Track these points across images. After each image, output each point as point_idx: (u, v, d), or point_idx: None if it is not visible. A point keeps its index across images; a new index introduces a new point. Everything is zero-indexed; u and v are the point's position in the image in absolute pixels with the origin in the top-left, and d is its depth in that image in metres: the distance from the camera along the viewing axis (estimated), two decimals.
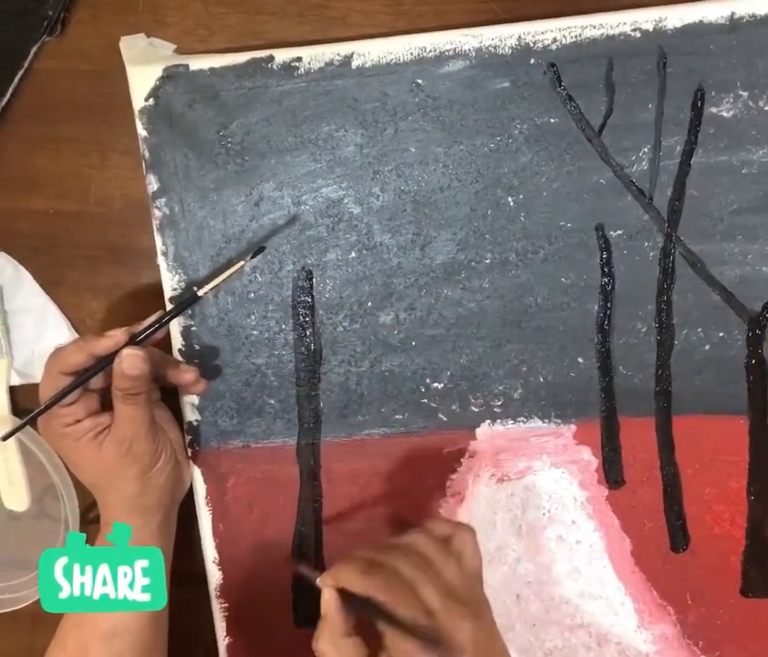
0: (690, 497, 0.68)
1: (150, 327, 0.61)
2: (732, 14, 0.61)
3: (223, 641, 0.72)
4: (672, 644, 0.70)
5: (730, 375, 0.66)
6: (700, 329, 0.66)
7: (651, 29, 0.62)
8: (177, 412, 0.69)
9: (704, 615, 0.69)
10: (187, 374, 0.65)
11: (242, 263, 0.62)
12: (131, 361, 0.58)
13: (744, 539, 0.68)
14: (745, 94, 0.62)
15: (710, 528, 0.68)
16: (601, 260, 0.66)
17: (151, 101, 0.65)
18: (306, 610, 0.71)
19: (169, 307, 0.67)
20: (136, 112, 0.65)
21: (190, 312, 0.67)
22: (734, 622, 0.69)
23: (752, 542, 0.68)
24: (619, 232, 0.65)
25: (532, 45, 0.63)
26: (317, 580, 0.56)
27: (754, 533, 0.68)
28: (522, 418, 0.68)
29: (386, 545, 0.56)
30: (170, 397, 0.68)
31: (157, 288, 0.67)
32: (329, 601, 0.54)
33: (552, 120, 0.64)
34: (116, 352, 0.59)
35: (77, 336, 0.71)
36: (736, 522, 0.68)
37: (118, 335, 0.59)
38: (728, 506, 0.67)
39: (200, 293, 0.62)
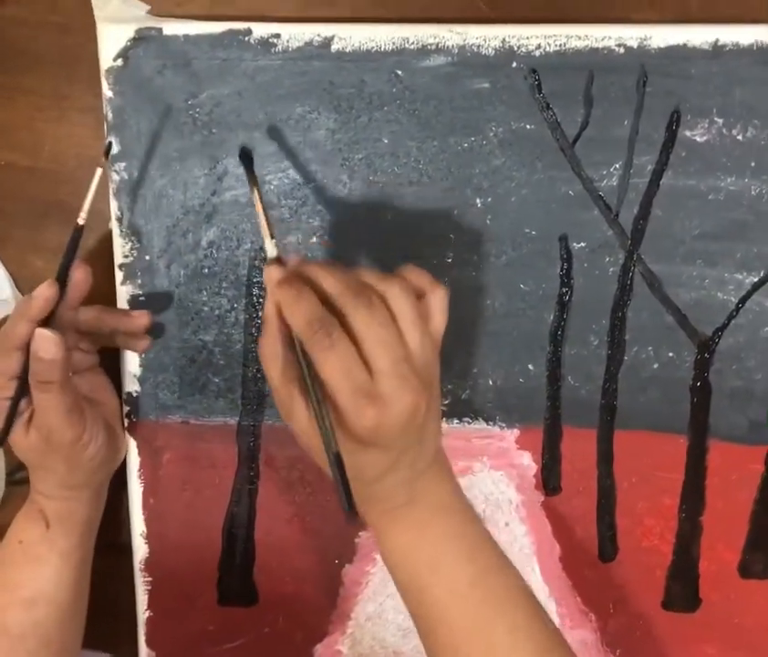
0: (623, 509, 0.74)
1: (63, 263, 0.62)
2: (717, 40, 0.66)
3: (142, 614, 0.76)
4: (590, 650, 0.76)
5: (675, 395, 0.72)
6: (650, 348, 0.72)
7: (635, 46, 0.66)
8: (116, 382, 0.72)
9: (624, 624, 0.76)
10: (141, 318, 0.67)
11: (100, 167, 0.62)
12: (43, 343, 0.59)
13: (671, 555, 0.75)
14: (720, 121, 0.67)
15: (639, 541, 0.74)
16: (561, 270, 0.72)
17: (120, 62, 0.67)
18: (231, 590, 0.76)
19: (119, 275, 0.70)
20: (102, 71, 0.66)
21: (139, 281, 0.71)
22: (653, 634, 0.79)
23: (678, 558, 0.75)
24: (582, 244, 0.71)
25: (515, 48, 0.67)
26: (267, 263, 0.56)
27: (681, 549, 0.75)
28: (467, 418, 0.73)
29: (356, 282, 0.55)
30: (110, 364, 0.71)
31: (107, 254, 0.69)
32: (269, 308, 0.55)
33: (528, 127, 0.68)
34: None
35: (18, 294, 0.72)
36: (665, 537, 0.74)
37: (44, 290, 0.60)
38: (659, 521, 0.74)
39: (80, 220, 0.62)
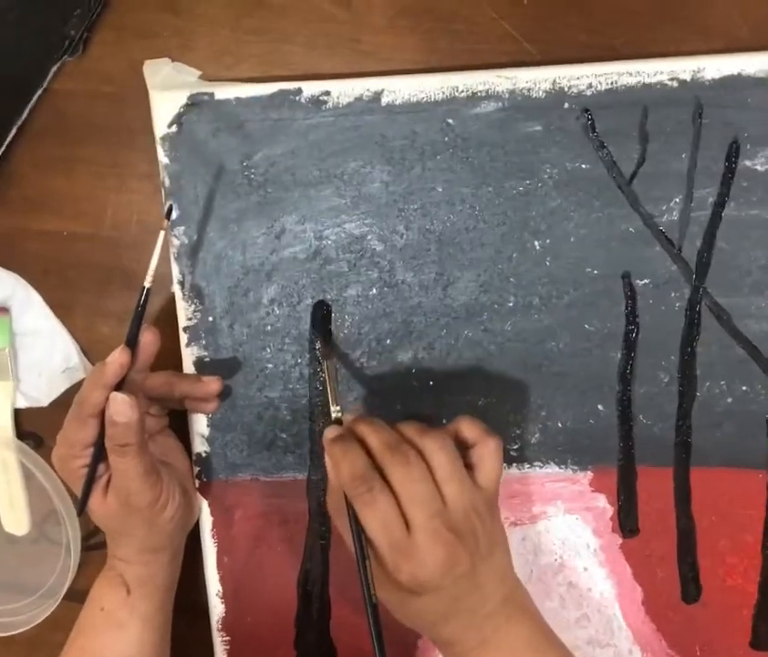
0: (704, 549, 0.75)
1: (132, 327, 0.65)
2: None
3: None
4: None
5: (751, 429, 0.73)
6: (723, 382, 0.73)
7: (689, 79, 0.68)
8: (185, 443, 0.75)
9: None
10: (212, 384, 0.72)
11: (163, 230, 0.66)
12: (117, 407, 0.62)
13: (757, 593, 0.76)
14: None
15: (723, 581, 0.76)
16: (626, 308, 0.74)
17: (174, 128, 0.72)
18: (309, 647, 0.79)
19: (183, 337, 0.75)
20: (157, 139, 0.71)
21: (204, 342, 0.78)
22: None
23: (765, 596, 0.75)
24: (646, 281, 0.73)
25: (566, 89, 0.70)
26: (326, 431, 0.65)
27: (767, 587, 0.78)
28: (538, 463, 0.76)
29: (396, 438, 0.62)
30: (178, 425, 0.75)
31: (171, 317, 0.74)
32: (329, 467, 0.64)
33: (583, 166, 0.71)
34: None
35: (85, 361, 0.77)
36: (749, 576, 0.75)
37: (117, 356, 0.64)
38: (742, 560, 0.75)
39: (146, 283, 0.66)
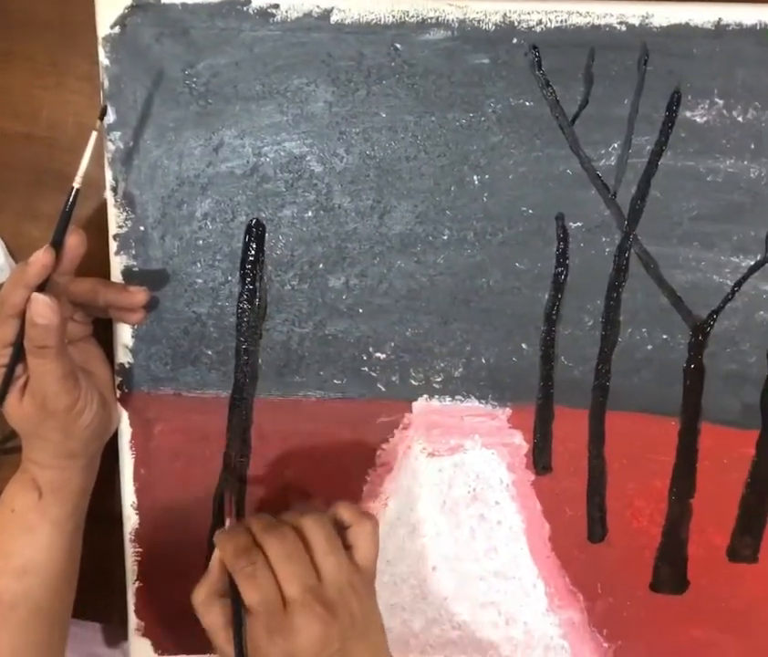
0: (614, 491, 0.73)
1: (58, 228, 0.61)
2: (719, 20, 0.64)
3: (132, 585, 0.75)
4: (578, 630, 0.75)
5: (668, 377, 0.71)
6: (644, 329, 0.70)
7: (637, 24, 0.64)
8: (108, 352, 0.70)
9: (612, 605, 0.74)
10: (138, 294, 0.66)
11: (95, 130, 0.61)
12: (38, 308, 0.58)
13: (660, 537, 0.74)
14: (721, 102, 0.65)
15: (629, 523, 0.73)
16: (557, 250, 0.70)
17: (117, 29, 0.65)
18: None
19: (112, 245, 0.68)
20: (99, 39, 0.64)
21: (133, 252, 0.70)
22: (640, 616, 0.78)
23: (668, 540, 0.73)
24: (579, 224, 0.69)
25: (516, 24, 0.65)
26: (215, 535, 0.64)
27: (671, 532, 0.73)
28: (459, 396, 0.72)
29: (277, 522, 0.63)
30: (101, 333, 0.70)
31: (102, 224, 0.68)
32: (214, 559, 0.63)
33: (527, 104, 0.66)
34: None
35: (12, 262, 0.70)
36: (655, 519, 0.73)
37: (40, 256, 0.59)
38: (649, 503, 0.73)
39: (75, 184, 0.61)
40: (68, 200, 0.60)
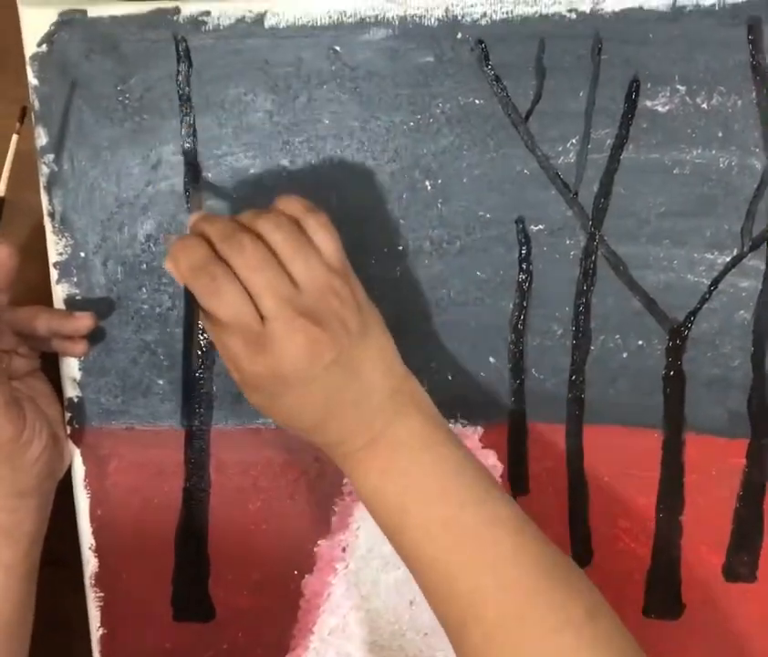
0: (597, 510, 0.66)
1: None
2: (675, 1, 0.59)
3: (96, 631, 0.69)
4: None
5: (646, 386, 0.64)
6: (618, 336, 0.65)
7: (588, 10, 0.59)
8: (56, 387, 0.66)
9: None
10: (83, 320, 0.62)
11: (16, 134, 0.58)
12: None
13: (650, 558, 0.68)
14: (683, 89, 0.60)
15: (615, 544, 0.66)
16: (520, 255, 0.64)
17: (44, 47, 0.61)
18: (186, 605, 0.69)
19: (53, 273, 0.64)
20: (27, 58, 0.61)
21: (75, 280, 0.65)
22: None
23: (658, 561, 0.67)
24: (540, 226, 0.63)
25: (460, 17, 0.60)
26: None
27: (660, 552, 0.67)
28: None
29: (230, 226, 0.52)
30: (49, 369, 0.65)
31: (42, 252, 0.64)
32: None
33: (477, 102, 0.61)
34: None
35: None
36: (642, 540, 0.66)
37: None
38: (635, 523, 0.66)
39: (0, 192, 0.58)
40: None
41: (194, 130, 0.62)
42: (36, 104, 0.61)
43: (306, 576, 0.68)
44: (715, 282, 0.63)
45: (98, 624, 0.70)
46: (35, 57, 0.61)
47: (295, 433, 0.55)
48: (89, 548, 0.69)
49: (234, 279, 0.50)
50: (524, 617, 0.52)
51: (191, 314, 0.65)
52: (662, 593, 0.67)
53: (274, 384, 0.51)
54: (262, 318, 0.50)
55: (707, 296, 0.63)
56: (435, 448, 0.55)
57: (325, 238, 0.53)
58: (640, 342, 0.64)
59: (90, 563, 0.69)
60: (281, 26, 0.60)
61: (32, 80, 0.61)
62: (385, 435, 0.54)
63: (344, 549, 0.67)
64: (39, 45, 0.61)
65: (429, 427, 0.56)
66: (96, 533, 0.69)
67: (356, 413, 0.53)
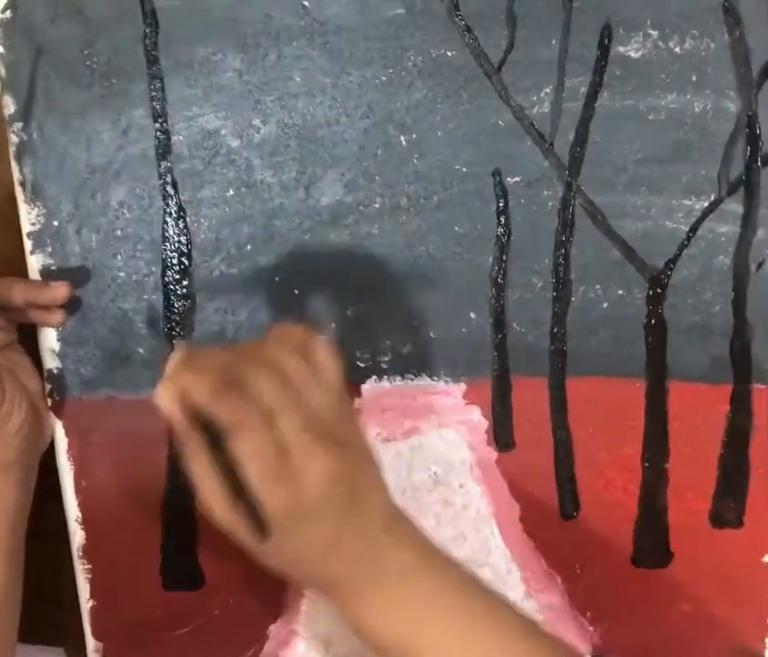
0: (582, 462, 0.66)
1: None
2: None
3: (86, 603, 0.69)
4: (560, 614, 0.67)
5: (628, 335, 0.63)
6: (598, 286, 0.64)
7: None
8: (36, 360, 0.65)
9: (593, 585, 0.67)
10: (59, 289, 0.61)
11: None
12: None
13: (637, 508, 0.67)
14: (655, 33, 0.59)
15: (602, 495, 0.66)
16: (497, 209, 0.63)
17: (8, 13, 0.60)
18: (175, 574, 0.69)
19: (27, 243, 0.63)
20: None
21: (50, 249, 0.64)
22: (624, 593, 0.70)
23: (645, 511, 0.66)
24: (517, 178, 0.62)
25: None
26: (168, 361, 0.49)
27: (647, 501, 0.66)
28: (410, 375, 0.66)
29: (241, 353, 0.49)
30: (27, 341, 0.65)
31: (14, 222, 0.63)
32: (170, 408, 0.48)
33: (449, 53, 0.60)
34: None
35: None
36: (629, 490, 0.66)
37: None
38: (621, 473, 0.66)
39: None
40: None
41: (163, 93, 0.59)
42: (3, 71, 0.60)
43: None
44: (693, 228, 0.62)
45: (88, 596, 0.69)
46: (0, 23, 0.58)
47: (288, 573, 0.52)
48: (76, 520, 0.68)
49: (255, 407, 0.46)
50: None
51: (167, 278, 0.63)
52: (650, 542, 0.67)
53: (290, 518, 0.47)
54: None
55: (686, 242, 0.62)
56: (433, 573, 0.54)
57: (327, 362, 0.50)
58: (620, 292, 0.63)
59: (77, 535, 0.68)
60: None
61: None
62: (385, 567, 0.52)
63: None
64: (3, 10, 0.59)
65: (426, 552, 0.54)
66: (81, 505, 0.68)
67: (356, 545, 0.50)
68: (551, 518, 0.67)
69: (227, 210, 0.63)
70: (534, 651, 0.52)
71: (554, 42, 0.60)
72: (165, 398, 0.47)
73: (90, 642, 0.70)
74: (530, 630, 0.53)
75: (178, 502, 0.67)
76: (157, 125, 0.62)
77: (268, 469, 0.46)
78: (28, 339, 0.64)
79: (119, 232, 0.63)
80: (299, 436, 0.47)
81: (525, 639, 0.52)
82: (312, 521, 0.48)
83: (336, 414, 0.49)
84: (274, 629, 0.70)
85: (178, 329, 0.64)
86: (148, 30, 0.59)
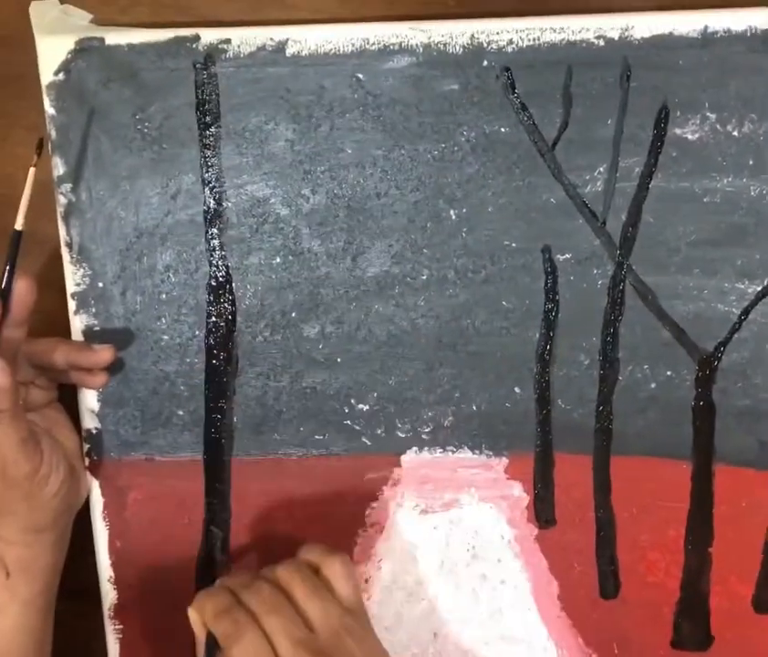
0: (625, 543, 0.65)
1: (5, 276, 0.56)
2: (706, 27, 0.57)
3: None
4: None
5: (675, 417, 0.63)
6: (646, 366, 0.63)
7: (616, 38, 0.58)
8: (74, 418, 0.64)
9: None
10: (104, 353, 0.61)
11: (33, 167, 0.57)
12: None
13: (679, 591, 0.66)
14: (713, 116, 0.59)
15: (644, 577, 0.65)
16: (546, 285, 0.63)
17: (61, 76, 0.60)
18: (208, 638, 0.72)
19: (71, 303, 0.63)
20: (44, 87, 0.59)
21: (93, 310, 0.65)
22: None
23: (687, 594, 0.65)
24: (567, 256, 0.63)
25: (485, 45, 0.59)
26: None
27: (689, 585, 0.65)
28: (451, 447, 0.65)
29: (251, 577, 0.56)
30: (67, 400, 0.64)
31: (60, 282, 0.63)
32: (197, 633, 0.57)
33: (502, 130, 0.60)
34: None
35: None
36: (671, 572, 0.65)
37: None
38: (664, 555, 0.65)
39: (17, 226, 0.57)
40: (11, 243, 0.55)
41: (215, 160, 0.58)
42: (53, 133, 0.60)
43: None
44: (745, 312, 0.61)
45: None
46: (51, 85, 0.60)
47: None
48: (108, 581, 0.68)
49: (255, 624, 0.53)
50: None
51: (211, 343, 0.64)
52: (691, 625, 0.66)
53: None
54: None
55: (737, 325, 0.61)
56: None
57: (342, 582, 0.56)
58: (669, 373, 0.63)
59: (109, 595, 0.68)
60: (303, 54, 0.59)
61: (48, 109, 0.60)
62: None
63: (366, 581, 0.65)
64: (56, 73, 0.59)
65: None
66: (115, 565, 0.67)
67: None
68: (590, 598, 0.66)
69: (273, 277, 0.63)
70: None
71: (609, 122, 0.59)
72: (191, 615, 0.56)
73: None
74: None
75: (212, 566, 0.67)
76: (207, 191, 0.61)
77: None
78: (68, 398, 0.64)
79: (163, 295, 0.63)
80: (295, 650, 0.52)
81: None
82: None
83: (340, 631, 0.54)
84: None
85: (218, 392, 0.61)
86: (200, 97, 0.58)
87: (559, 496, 0.65)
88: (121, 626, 0.68)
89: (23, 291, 0.56)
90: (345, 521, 0.66)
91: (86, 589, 0.68)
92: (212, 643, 0.54)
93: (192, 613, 0.55)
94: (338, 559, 0.57)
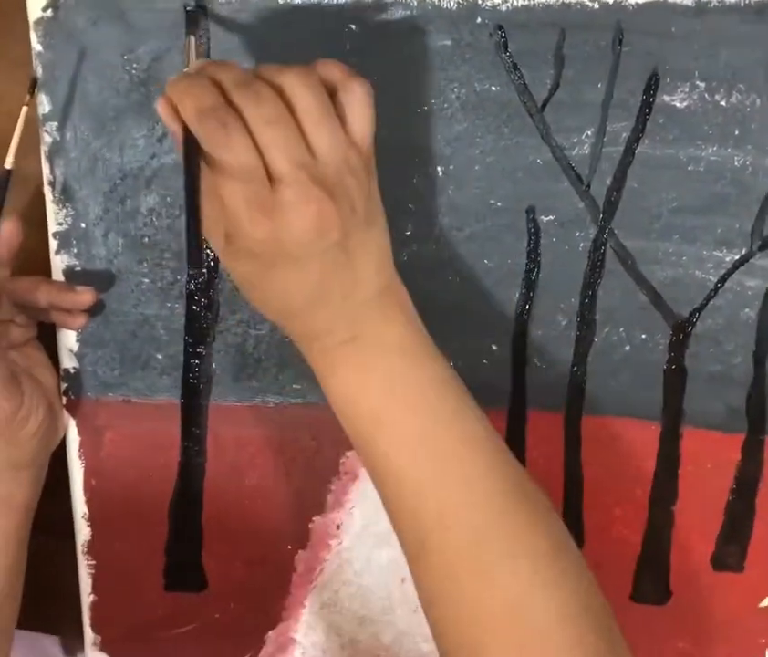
0: (591, 498, 0.66)
1: None
2: None
3: (87, 598, 0.69)
4: None
5: (647, 379, 0.64)
6: (622, 329, 0.64)
7: (611, 2, 0.57)
8: (53, 357, 0.64)
9: None
10: (84, 295, 0.61)
11: (25, 106, 0.57)
12: None
13: (641, 546, 0.68)
14: (702, 85, 0.59)
15: (608, 531, 0.67)
16: (528, 245, 0.63)
17: (50, 12, 0.58)
18: (179, 576, 0.69)
19: (53, 243, 0.62)
20: (31, 23, 0.58)
21: (75, 251, 0.64)
22: (622, 627, 0.74)
23: (648, 549, 0.67)
24: (551, 217, 0.62)
25: (480, 2, 0.58)
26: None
27: (651, 541, 0.67)
28: None
29: (247, 75, 0.46)
30: (46, 339, 0.64)
31: (42, 221, 0.62)
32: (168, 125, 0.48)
33: (493, 88, 0.59)
34: None
35: None
36: (634, 528, 0.67)
37: None
38: (628, 511, 0.67)
39: (7, 164, 0.57)
40: (0, 183, 0.54)
41: None
42: (40, 70, 0.59)
43: (300, 551, 0.68)
44: (722, 280, 0.62)
45: (90, 591, 0.70)
46: (39, 21, 0.58)
47: (273, 318, 0.52)
48: (82, 517, 0.68)
49: (248, 134, 0.44)
50: (483, 540, 0.50)
51: (193, 288, 0.63)
52: (651, 580, 0.68)
53: (271, 254, 0.46)
54: (271, 179, 0.44)
55: (713, 293, 0.62)
56: (417, 356, 0.53)
57: (359, 114, 0.47)
58: (644, 336, 0.64)
59: (83, 532, 0.68)
60: (296, 2, 0.58)
61: (35, 46, 0.58)
62: (367, 334, 0.51)
63: (338, 527, 0.66)
64: (44, 9, 0.58)
65: (412, 334, 0.53)
66: (89, 502, 0.68)
67: (343, 304, 0.49)
68: None
69: None
70: (494, 466, 0.53)
71: (600, 85, 0.59)
72: (162, 109, 0.46)
73: (89, 634, 0.70)
74: (495, 443, 0.54)
75: (186, 506, 0.68)
76: None
77: (254, 192, 0.45)
78: (47, 337, 0.64)
79: (146, 239, 0.62)
80: (295, 173, 0.45)
81: (490, 452, 0.53)
82: (296, 266, 0.48)
83: (343, 166, 0.46)
84: (272, 635, 0.71)
85: (199, 337, 0.62)
86: (190, 40, 0.57)
87: (530, 452, 0.66)
88: (94, 561, 0.69)
89: (9, 232, 0.55)
90: (320, 468, 0.67)
91: (59, 523, 0.69)
92: (192, 144, 0.45)
93: (164, 106, 0.46)
94: (362, 84, 0.47)
